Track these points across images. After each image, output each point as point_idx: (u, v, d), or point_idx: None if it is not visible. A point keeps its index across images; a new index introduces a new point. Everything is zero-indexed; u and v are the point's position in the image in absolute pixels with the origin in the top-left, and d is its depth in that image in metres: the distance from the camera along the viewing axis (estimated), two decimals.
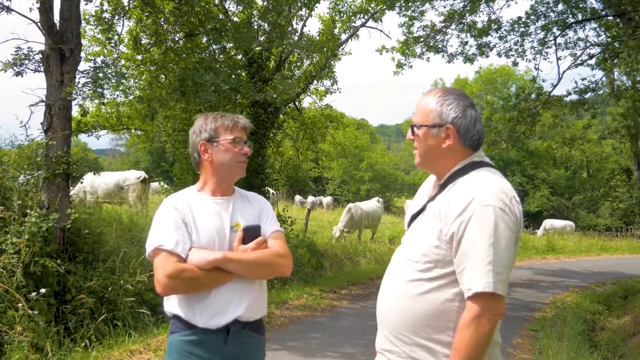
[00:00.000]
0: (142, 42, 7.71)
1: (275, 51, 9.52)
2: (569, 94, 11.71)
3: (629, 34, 8.38)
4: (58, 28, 5.54)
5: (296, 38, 8.31)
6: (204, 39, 7.58)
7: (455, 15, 11.03)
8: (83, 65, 5.96)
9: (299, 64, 10.61)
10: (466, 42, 11.50)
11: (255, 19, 8.19)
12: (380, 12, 10.54)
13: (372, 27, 11.03)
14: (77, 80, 5.63)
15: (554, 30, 11.20)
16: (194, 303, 1.96)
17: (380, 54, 11.32)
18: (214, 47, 7.47)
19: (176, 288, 1.93)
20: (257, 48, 8.74)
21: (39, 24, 5.48)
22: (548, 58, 11.54)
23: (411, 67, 11.56)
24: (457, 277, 1.65)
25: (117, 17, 6.64)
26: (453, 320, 1.66)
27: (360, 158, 35.47)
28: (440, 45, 11.43)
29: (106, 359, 4.54)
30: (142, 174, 11.43)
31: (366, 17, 10.62)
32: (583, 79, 11.52)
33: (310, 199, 26.33)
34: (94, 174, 9.85)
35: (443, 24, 11.22)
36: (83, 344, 4.70)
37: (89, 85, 5.54)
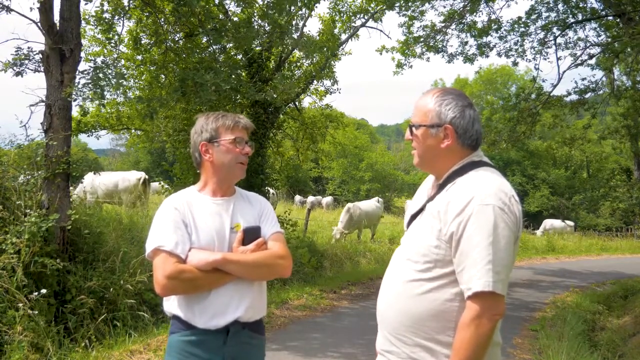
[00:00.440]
0: (142, 42, 7.71)
1: (275, 51, 9.52)
2: (569, 94, 11.71)
3: (629, 35, 8.37)
4: (58, 28, 5.54)
5: (296, 36, 8.30)
6: (204, 39, 7.58)
7: (455, 15, 11.02)
8: (83, 66, 5.96)
9: (299, 64, 10.61)
10: (466, 42, 11.51)
11: (256, 18, 8.19)
12: (380, 12, 10.54)
13: (372, 27, 11.04)
14: (77, 80, 5.63)
15: (554, 30, 11.21)
16: (194, 304, 1.96)
17: (380, 54, 11.34)
18: (214, 47, 7.47)
19: (175, 289, 1.93)
20: (257, 48, 8.75)
21: (39, 24, 5.48)
22: (548, 58, 11.56)
23: (411, 67, 11.57)
24: (457, 276, 1.65)
25: (117, 17, 6.63)
26: (453, 320, 1.66)
27: (360, 158, 35.47)
28: (440, 45, 11.43)
29: (106, 359, 4.54)
30: (142, 174, 11.43)
31: (366, 17, 10.62)
32: (583, 79, 11.53)
33: (310, 198, 26.34)
34: (94, 174, 9.85)
35: (443, 24, 11.22)
36: (83, 344, 4.70)
37: (89, 86, 5.54)
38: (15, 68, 5.58)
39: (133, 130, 10.12)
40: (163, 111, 7.69)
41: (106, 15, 6.56)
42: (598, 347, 6.47)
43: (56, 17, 5.58)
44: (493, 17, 11.04)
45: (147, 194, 11.69)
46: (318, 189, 38.27)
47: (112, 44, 7.01)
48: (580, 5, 10.85)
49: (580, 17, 11.00)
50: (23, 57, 5.59)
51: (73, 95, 5.44)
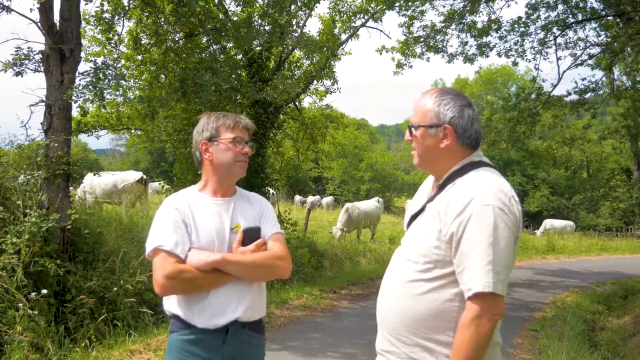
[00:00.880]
0: (142, 42, 7.71)
1: (275, 51, 9.52)
2: (569, 94, 11.72)
3: (628, 35, 8.37)
4: (58, 28, 5.54)
5: (296, 36, 8.30)
6: (204, 39, 7.58)
7: (455, 15, 11.02)
8: (83, 66, 5.97)
9: (299, 64, 10.61)
10: (466, 42, 11.51)
11: (256, 18, 8.19)
12: (380, 12, 10.54)
13: (372, 27, 11.04)
14: (77, 82, 5.63)
15: (554, 30, 11.21)
16: (193, 303, 1.96)
17: (380, 54, 11.33)
18: (214, 47, 7.47)
19: (174, 288, 1.94)
20: (257, 48, 8.75)
21: (39, 24, 5.48)
22: (548, 58, 11.56)
23: (411, 67, 11.57)
24: (457, 277, 1.65)
25: (117, 17, 6.63)
26: (453, 320, 1.66)
27: (360, 158, 35.48)
28: (440, 45, 11.43)
29: (106, 359, 4.54)
30: (140, 174, 11.43)
31: (366, 17, 10.61)
32: (583, 79, 11.54)
33: (311, 198, 26.34)
34: (94, 174, 9.86)
35: (443, 24, 11.22)
36: (83, 344, 4.70)
37: (89, 87, 5.54)
38: (15, 68, 5.58)
39: (133, 130, 10.12)
40: (163, 111, 7.68)
41: (106, 15, 6.56)
42: (598, 347, 6.47)
43: (56, 17, 5.58)
44: (493, 17, 11.05)
45: (146, 194, 11.69)
46: (318, 189, 38.28)
47: (112, 44, 7.01)
48: (580, 5, 10.86)
49: (580, 17, 11.00)
50: (23, 57, 5.60)
51: (73, 97, 5.44)
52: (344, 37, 10.68)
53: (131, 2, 6.91)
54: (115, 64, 6.44)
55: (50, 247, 5.14)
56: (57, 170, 5.46)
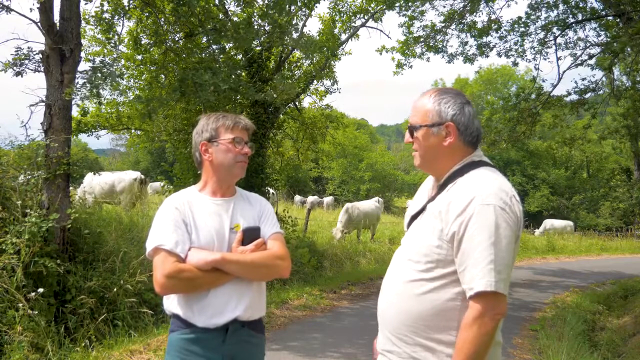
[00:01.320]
0: (142, 42, 7.71)
1: (275, 51, 9.52)
2: (569, 94, 11.72)
3: (628, 35, 8.37)
4: (58, 28, 5.54)
5: (296, 36, 8.30)
6: (204, 39, 7.58)
7: (455, 15, 11.02)
8: (83, 66, 5.97)
9: (299, 64, 10.61)
10: (466, 42, 11.50)
11: (256, 18, 8.19)
12: (380, 12, 10.54)
13: (372, 27, 11.04)
14: (76, 80, 5.63)
15: (554, 30, 11.21)
16: (193, 303, 1.97)
17: (380, 54, 11.33)
18: (214, 47, 7.47)
19: (174, 288, 1.94)
20: (257, 48, 8.74)
21: (39, 24, 5.48)
22: (548, 58, 11.56)
23: (411, 67, 11.56)
24: (459, 276, 1.66)
25: (117, 17, 6.64)
26: (455, 319, 1.66)
27: (360, 158, 35.48)
28: (440, 45, 11.42)
29: (106, 359, 4.54)
30: (137, 174, 11.43)
31: (366, 17, 10.61)
32: (583, 79, 11.54)
33: (311, 198, 26.33)
34: (94, 174, 9.86)
35: (443, 24, 11.21)
36: (83, 344, 4.70)
37: (87, 85, 5.54)
38: (15, 68, 5.58)
39: (133, 130, 10.12)
40: (163, 111, 7.68)
41: (106, 15, 6.56)
42: (598, 347, 6.47)
43: (56, 17, 5.58)
44: (493, 17, 11.04)
45: (145, 194, 11.68)
46: (318, 189, 38.28)
47: (112, 44, 7.01)
48: (580, 5, 10.86)
49: (580, 17, 11.00)
50: (23, 57, 5.60)
51: (72, 95, 5.44)
52: (344, 37, 10.68)
53: (131, 2, 6.91)
54: (113, 63, 6.43)
55: (50, 247, 5.14)
56: (57, 170, 5.46)
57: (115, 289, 5.45)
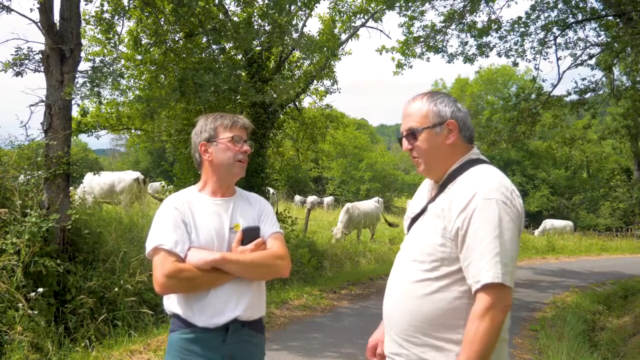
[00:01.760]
0: (142, 42, 7.71)
1: (275, 51, 9.52)
2: (569, 94, 11.72)
3: (629, 34, 8.37)
4: (58, 28, 5.54)
5: (296, 36, 8.30)
6: (204, 39, 7.58)
7: (455, 15, 11.02)
8: (83, 65, 5.97)
9: (298, 64, 10.61)
10: (466, 42, 11.50)
11: (256, 18, 8.18)
12: (380, 12, 10.53)
13: (372, 27, 11.03)
14: (76, 80, 5.63)
15: (554, 30, 11.21)
16: (193, 302, 1.97)
17: (380, 54, 11.33)
18: (214, 47, 7.47)
19: (174, 287, 1.94)
20: (257, 48, 8.74)
21: (39, 24, 5.48)
22: (548, 58, 11.56)
23: (411, 67, 11.55)
24: (464, 271, 1.66)
25: (117, 17, 6.63)
26: (462, 317, 1.66)
27: (360, 158, 35.47)
28: (440, 45, 11.42)
29: (106, 359, 4.55)
30: (137, 174, 11.43)
31: (366, 17, 10.61)
32: (583, 79, 11.56)
33: (311, 198, 26.33)
34: (94, 174, 9.86)
35: (443, 24, 11.21)
36: (83, 344, 4.70)
37: (87, 84, 5.54)
38: (15, 68, 5.58)
39: (133, 130, 10.12)
40: (163, 111, 7.68)
41: (106, 15, 6.56)
42: (598, 347, 6.47)
43: (56, 17, 5.58)
44: (493, 17, 11.04)
45: (145, 194, 11.67)
46: (318, 189, 38.28)
47: (112, 44, 7.01)
48: (580, 5, 10.85)
49: (580, 17, 11.00)
50: (23, 57, 5.60)
51: (72, 95, 5.44)
52: (344, 37, 10.68)
53: (131, 2, 6.91)
54: (113, 63, 6.43)
55: (50, 247, 5.14)
56: (57, 170, 5.46)
57: (115, 289, 5.45)
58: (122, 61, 7.79)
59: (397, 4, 10.45)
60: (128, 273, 5.74)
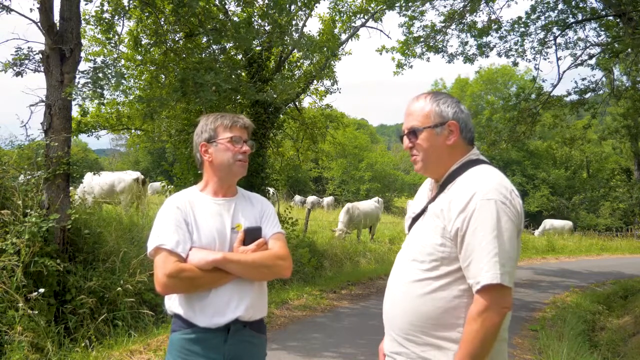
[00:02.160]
0: (142, 42, 7.70)
1: (275, 51, 9.51)
2: (569, 94, 11.73)
3: (629, 34, 8.37)
4: (58, 28, 5.54)
5: (296, 36, 8.30)
6: (204, 39, 7.58)
7: (455, 15, 11.02)
8: (83, 65, 5.97)
9: (299, 63, 10.61)
10: (466, 42, 11.51)
11: (256, 18, 8.18)
12: (380, 12, 10.54)
13: (372, 27, 11.04)
14: (77, 80, 5.62)
15: (554, 30, 11.21)
16: (194, 302, 1.97)
17: (380, 54, 11.33)
18: (214, 47, 7.47)
19: (175, 287, 1.94)
20: (257, 48, 8.74)
21: (39, 24, 5.48)
22: (548, 58, 11.57)
23: (411, 67, 11.56)
24: (463, 272, 1.67)
25: (117, 17, 6.63)
26: (462, 316, 1.68)
27: (360, 158, 35.48)
28: (440, 45, 11.42)
29: (106, 359, 4.54)
30: (137, 174, 11.42)
31: (366, 17, 10.61)
32: (583, 79, 11.57)
33: (311, 198, 26.32)
34: (94, 174, 9.84)
35: (443, 24, 11.21)
36: (83, 344, 4.70)
37: (89, 85, 5.54)
38: (15, 68, 5.57)
39: (133, 130, 10.12)
40: (163, 111, 7.68)
41: (106, 15, 6.56)
42: (598, 347, 6.48)
43: (56, 17, 5.58)
44: (493, 17, 11.04)
45: (145, 194, 11.66)
46: (318, 189, 38.28)
47: (112, 44, 7.01)
48: (580, 5, 10.85)
49: (580, 17, 11.00)
50: (23, 57, 5.59)
51: (73, 95, 5.44)
52: (344, 37, 10.68)
53: (131, 2, 6.91)
54: (115, 64, 6.43)
55: (50, 247, 5.14)
56: (57, 170, 5.45)
57: (115, 289, 5.45)
58: (122, 61, 7.80)
59: (397, 4, 10.45)
60: (128, 273, 5.74)
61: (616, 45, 9.03)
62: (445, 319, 1.69)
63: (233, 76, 7.05)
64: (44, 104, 5.56)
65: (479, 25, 11.02)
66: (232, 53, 8.69)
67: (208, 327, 1.95)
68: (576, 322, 7.14)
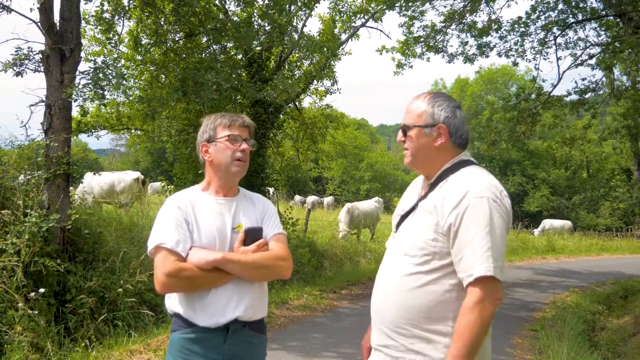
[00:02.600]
0: (142, 42, 7.70)
1: (275, 51, 9.51)
2: (569, 94, 11.73)
3: (629, 34, 8.37)
4: (58, 28, 5.54)
5: (296, 36, 8.30)
6: (204, 39, 7.58)
7: (456, 15, 11.02)
8: (83, 66, 5.97)
9: (299, 63, 10.61)
10: (466, 42, 11.51)
11: (256, 18, 8.18)
12: (380, 12, 10.54)
13: (372, 27, 11.04)
14: (77, 80, 5.62)
15: (554, 30, 11.21)
16: (194, 302, 1.97)
17: (380, 54, 11.33)
18: (214, 47, 7.47)
19: (175, 287, 1.95)
20: (257, 48, 8.74)
21: (39, 24, 5.48)
22: (548, 58, 11.57)
23: (411, 67, 11.56)
24: (455, 266, 1.72)
25: (117, 17, 6.63)
26: (451, 310, 1.73)
27: (360, 158, 35.49)
28: (440, 45, 11.43)
29: (106, 359, 4.54)
30: (137, 174, 11.42)
31: (366, 17, 10.62)
32: (583, 79, 11.57)
33: (311, 198, 26.33)
34: (94, 174, 9.84)
35: (443, 24, 11.21)
36: (83, 344, 4.70)
37: (89, 86, 5.53)
38: (15, 68, 5.57)
39: (133, 130, 10.11)
40: (164, 111, 7.68)
41: (106, 15, 6.55)
42: (598, 347, 6.47)
43: (56, 17, 5.57)
44: (493, 17, 11.04)
45: (145, 194, 11.65)
46: (318, 189, 38.29)
47: (112, 44, 7.01)
48: (581, 5, 10.86)
49: (580, 17, 11.00)
50: (23, 57, 5.59)
51: (73, 96, 5.44)
52: (344, 37, 10.68)
53: (131, 2, 6.91)
54: (115, 64, 6.43)
55: (50, 247, 5.13)
56: (57, 170, 5.45)
57: (116, 289, 5.44)
58: (123, 61, 7.80)
59: (397, 4, 10.45)
60: (128, 273, 5.74)
61: (617, 45, 9.02)
62: (436, 312, 1.74)
63: (233, 75, 7.05)
64: (44, 104, 5.55)
65: (479, 25, 11.03)
66: (232, 53, 8.70)
67: (208, 327, 1.95)
68: (576, 322, 7.13)
